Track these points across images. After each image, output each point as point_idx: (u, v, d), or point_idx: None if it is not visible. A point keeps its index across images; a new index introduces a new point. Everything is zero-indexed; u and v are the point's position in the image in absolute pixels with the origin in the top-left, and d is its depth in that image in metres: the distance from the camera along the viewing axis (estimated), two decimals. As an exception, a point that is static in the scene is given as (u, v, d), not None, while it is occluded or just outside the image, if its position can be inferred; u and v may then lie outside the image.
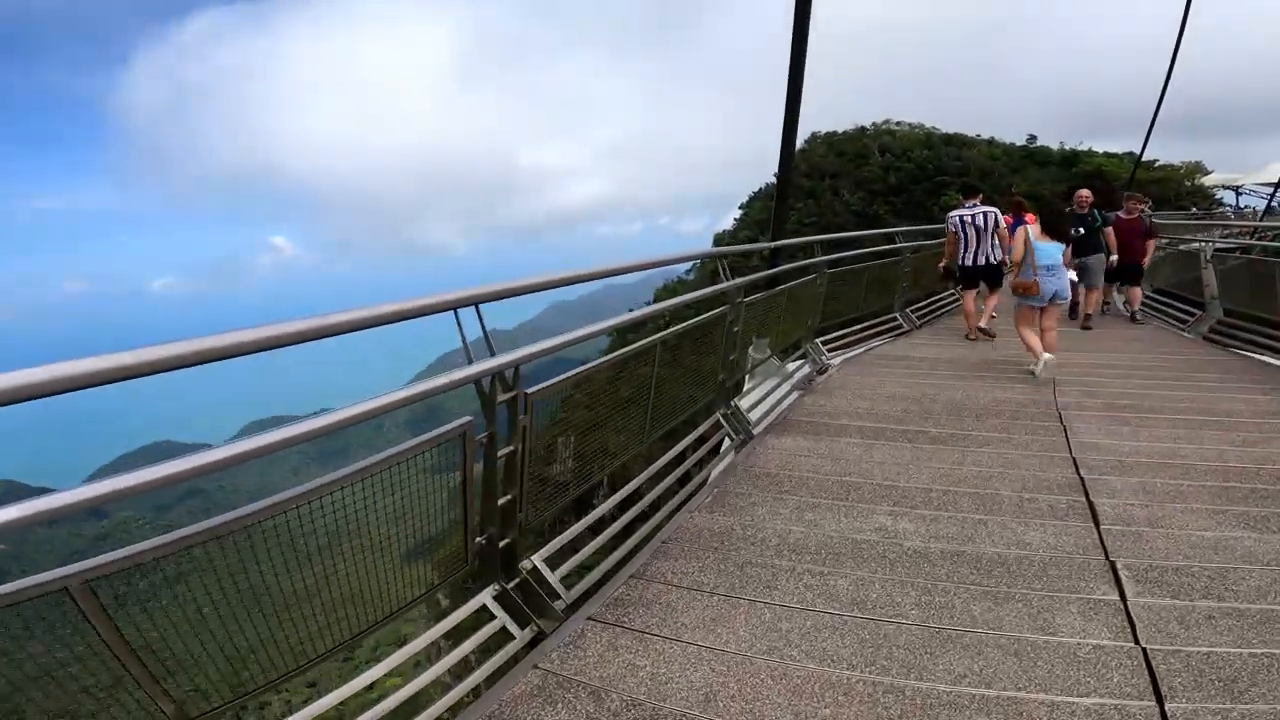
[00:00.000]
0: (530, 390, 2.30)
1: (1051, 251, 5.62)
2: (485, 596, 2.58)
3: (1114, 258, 8.29)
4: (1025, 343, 5.78)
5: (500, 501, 2.37)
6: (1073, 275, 6.25)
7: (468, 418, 2.04)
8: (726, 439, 4.31)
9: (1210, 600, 2.51)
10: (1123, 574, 2.66)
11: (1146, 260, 8.50)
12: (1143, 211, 21.36)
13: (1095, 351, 6.69)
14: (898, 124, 49.63)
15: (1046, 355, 5.51)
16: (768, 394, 5.43)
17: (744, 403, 5.16)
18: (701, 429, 4.16)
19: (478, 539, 2.39)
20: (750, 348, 6.05)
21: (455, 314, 1.96)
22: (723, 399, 4.33)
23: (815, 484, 3.49)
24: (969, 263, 7.32)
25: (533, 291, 2.32)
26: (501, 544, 2.52)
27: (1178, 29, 12.13)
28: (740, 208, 49.87)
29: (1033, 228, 5.82)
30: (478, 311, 2.05)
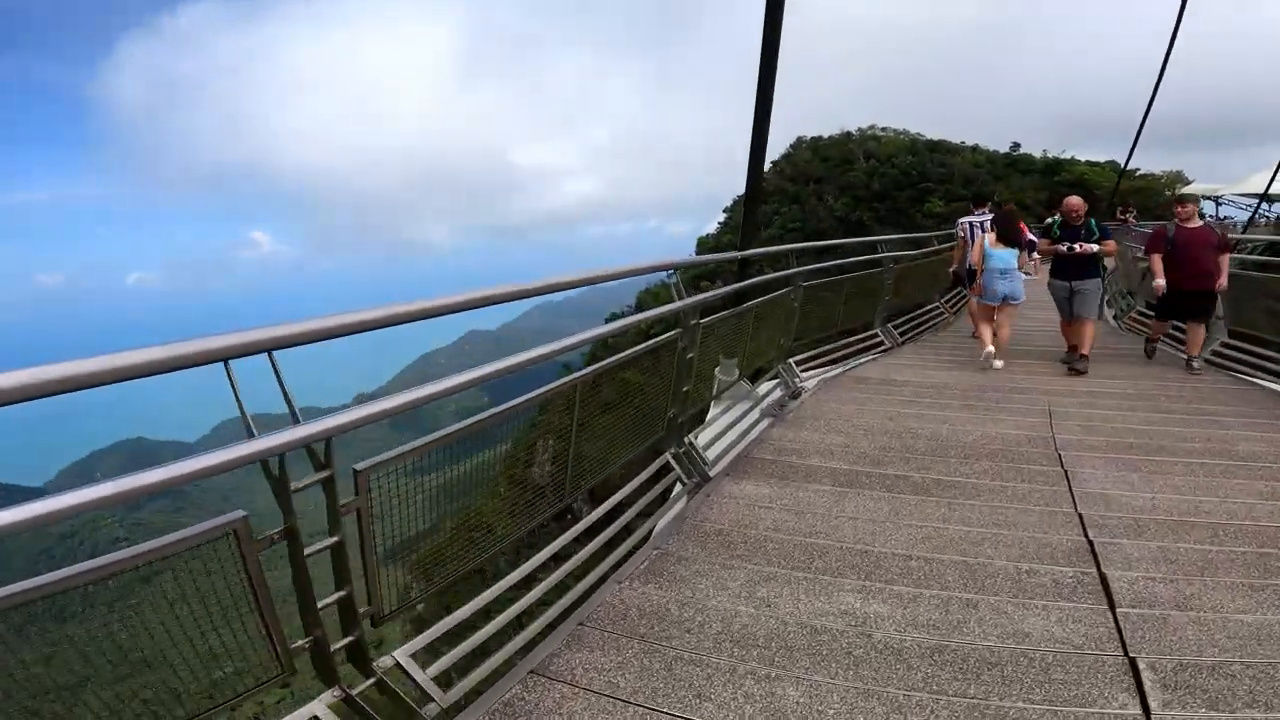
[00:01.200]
0: (362, 466, 1.70)
1: (1005, 257, 6.52)
2: (317, 706, 1.91)
3: (1159, 282, 6.23)
4: (979, 335, 6.86)
5: (324, 603, 1.76)
6: (1025, 275, 7.00)
7: (237, 512, 1.44)
8: (678, 483, 3.73)
9: (1256, 710, 1.99)
10: (1146, 676, 2.11)
11: (1223, 282, 6.07)
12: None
13: (1092, 377, 6.08)
14: (883, 129, 49.62)
15: (989, 349, 6.51)
16: (733, 424, 4.86)
17: (704, 436, 4.59)
18: (645, 474, 3.57)
19: (298, 643, 1.78)
20: (717, 369, 5.51)
21: (226, 366, 1.34)
22: (674, 437, 3.74)
23: (774, 547, 2.91)
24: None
25: (361, 331, 1.64)
26: (340, 644, 1.91)
27: (1168, 40, 11.83)
28: (725, 211, 49.54)
29: (989, 235, 6.77)
30: (271, 361, 1.43)
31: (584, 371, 2.71)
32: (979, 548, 2.83)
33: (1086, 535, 2.92)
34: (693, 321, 3.55)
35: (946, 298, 10.03)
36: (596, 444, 3.17)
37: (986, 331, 6.63)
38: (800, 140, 51.22)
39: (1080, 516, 3.09)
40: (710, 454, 4.08)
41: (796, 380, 5.72)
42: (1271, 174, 14.56)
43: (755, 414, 5.35)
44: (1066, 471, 3.59)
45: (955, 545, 2.86)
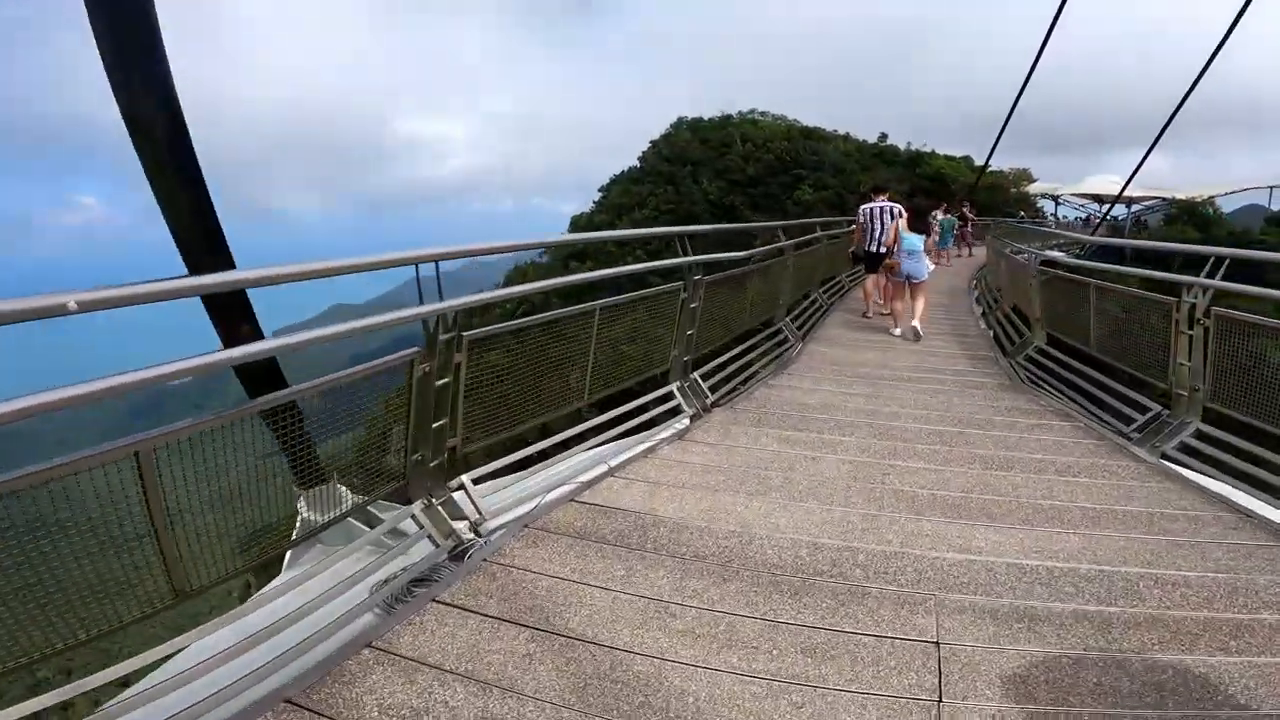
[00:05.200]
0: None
1: (914, 241, 7.61)
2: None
3: None
4: (892, 310, 7.90)
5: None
6: (931, 265, 7.88)
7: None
8: None
9: None
10: None
11: None
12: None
13: (997, 493, 3.30)
14: (762, 114, 48.62)
15: (915, 324, 7.48)
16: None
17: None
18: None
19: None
20: (299, 501, 2.69)
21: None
22: None
23: None
24: (871, 249, 8.41)
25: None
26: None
27: (1036, 46, 10.49)
28: (600, 190, 46.50)
29: (902, 221, 7.81)
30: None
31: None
32: None
33: None
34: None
35: (792, 315, 7.70)
36: None
37: (900, 308, 7.75)
38: (681, 120, 49.08)
39: None
40: None
41: (467, 523, 2.86)
42: (1127, 178, 13.98)
43: (361, 591, 2.57)
44: None
45: None
